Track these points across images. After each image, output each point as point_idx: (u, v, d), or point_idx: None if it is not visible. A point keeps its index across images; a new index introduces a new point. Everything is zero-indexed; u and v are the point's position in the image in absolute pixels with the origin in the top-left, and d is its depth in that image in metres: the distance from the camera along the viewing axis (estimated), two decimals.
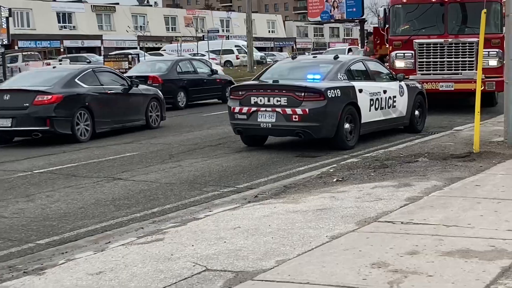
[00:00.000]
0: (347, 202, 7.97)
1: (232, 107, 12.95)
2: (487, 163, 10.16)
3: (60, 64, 50.85)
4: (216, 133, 15.47)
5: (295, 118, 12.30)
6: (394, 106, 14.25)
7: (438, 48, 18.40)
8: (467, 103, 20.21)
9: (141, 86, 17.67)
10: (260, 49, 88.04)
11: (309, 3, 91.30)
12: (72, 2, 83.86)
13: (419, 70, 18.59)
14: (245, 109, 12.72)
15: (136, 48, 73.22)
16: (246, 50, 60.72)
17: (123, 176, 10.68)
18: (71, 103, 15.00)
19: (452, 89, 18.28)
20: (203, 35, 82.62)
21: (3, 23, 47.99)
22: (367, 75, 13.92)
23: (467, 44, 18.34)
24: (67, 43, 78.21)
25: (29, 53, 53.17)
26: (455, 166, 9.99)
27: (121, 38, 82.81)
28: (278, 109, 12.41)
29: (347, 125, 12.86)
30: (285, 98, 12.40)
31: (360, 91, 13.13)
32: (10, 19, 71.58)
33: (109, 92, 16.17)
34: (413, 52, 18.54)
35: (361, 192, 8.53)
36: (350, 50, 47.56)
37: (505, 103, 12.06)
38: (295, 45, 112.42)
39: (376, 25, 21.13)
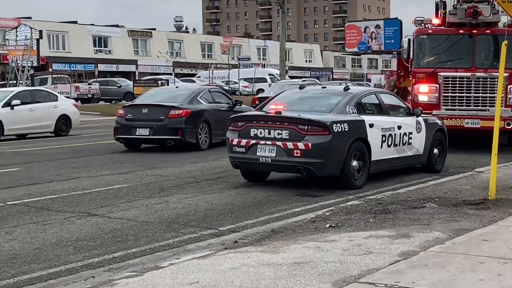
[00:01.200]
0: (332, 255, 6.94)
1: (230, 139, 12.02)
2: (502, 212, 9.05)
3: (89, 86, 50.64)
4: (219, 166, 14.53)
5: (297, 153, 11.32)
6: (409, 143, 13.19)
7: (465, 82, 17.30)
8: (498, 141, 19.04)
9: (243, 106, 20.36)
10: (296, 78, 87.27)
11: (346, 33, 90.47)
12: (108, 26, 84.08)
13: (444, 105, 17.50)
14: (243, 142, 11.78)
15: (171, 74, 73.02)
16: (279, 79, 60.00)
17: (99, 211, 9.78)
18: (196, 117, 18.03)
19: (478, 126, 17.13)
20: (239, 63, 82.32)
21: (33, 45, 47.91)
22: (380, 109, 12.89)
23: (496, 79, 17.19)
24: (102, 67, 78.27)
25: (58, 75, 53.04)
26: (465, 215, 8.90)
27: (156, 63, 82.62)
28: (279, 143, 11.45)
29: (354, 163, 11.83)
30: (287, 131, 11.43)
31: (371, 126, 12.11)
32: (45, 41, 72.32)
33: (221, 108, 19.09)
34: (437, 85, 17.46)
35: (351, 243, 7.50)
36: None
37: None
38: (332, 75, 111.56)
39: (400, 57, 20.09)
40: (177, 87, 22.68)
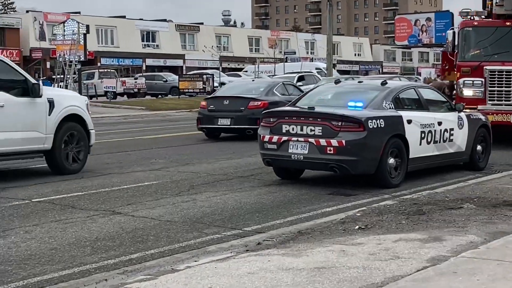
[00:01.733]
0: (356, 260, 6.57)
1: (262, 135, 11.70)
2: None
3: (135, 81, 50.80)
4: (254, 162, 14.20)
5: (330, 150, 10.94)
6: (451, 140, 12.68)
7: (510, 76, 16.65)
8: None
9: None
10: (345, 72, 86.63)
11: (396, 26, 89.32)
12: (156, 21, 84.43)
13: (490, 100, 16.90)
14: (275, 138, 11.44)
15: (217, 68, 73.01)
16: (326, 73, 59.43)
17: (124, 210, 9.55)
18: (271, 108, 17.30)
19: None
20: (285, 57, 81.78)
21: (81, 40, 48.21)
22: (419, 104, 12.40)
23: None
24: (150, 61, 78.65)
25: (105, 70, 53.35)
26: (504, 217, 8.43)
27: (204, 58, 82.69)
28: (312, 140, 11.07)
29: (391, 160, 11.39)
30: (320, 128, 11.06)
31: (409, 122, 11.65)
32: (94, 36, 72.97)
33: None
34: (483, 79, 16.86)
35: (379, 247, 7.11)
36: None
37: None
38: (382, 69, 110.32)
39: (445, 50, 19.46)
40: (253, 80, 25.18)
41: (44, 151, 12.69)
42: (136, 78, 51.50)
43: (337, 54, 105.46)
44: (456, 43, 17.39)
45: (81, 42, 47.96)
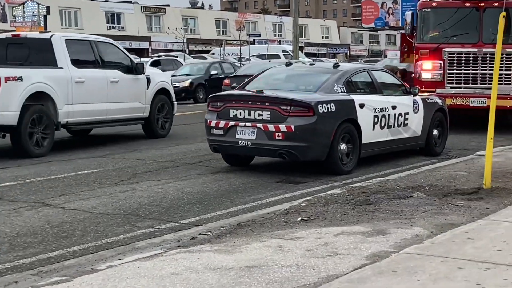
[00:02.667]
0: (291, 257, 6.05)
1: (208, 120, 11.13)
2: (496, 203, 8.11)
3: None
4: (205, 148, 13.53)
5: (279, 136, 10.41)
6: (406, 125, 12.21)
7: (471, 58, 16.25)
8: (506, 121, 18.00)
9: None
10: (312, 55, 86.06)
11: (363, 9, 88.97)
12: (121, 3, 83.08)
13: (448, 83, 16.48)
14: (222, 123, 10.89)
15: (183, 51, 72.03)
16: (292, 56, 58.87)
17: (55, 201, 8.94)
18: None
19: (485, 105, 16.07)
20: (249, 39, 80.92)
21: (41, 21, 47.12)
22: (372, 88, 11.91)
23: (504, 55, 16.12)
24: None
25: None
26: (455, 207, 7.97)
27: (170, 40, 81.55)
28: (259, 125, 10.54)
29: (343, 146, 10.90)
30: (268, 112, 10.52)
31: (361, 106, 11.15)
32: (57, 17, 71.55)
33: None
34: (442, 62, 16.42)
35: (318, 241, 6.61)
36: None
37: None
38: (349, 52, 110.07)
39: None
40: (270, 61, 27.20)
41: (143, 119, 15.62)
42: None
43: (304, 37, 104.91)
44: (414, 24, 16.91)
45: (41, 24, 46.89)
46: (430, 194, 8.74)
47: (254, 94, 10.85)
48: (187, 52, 79.56)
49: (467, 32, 16.29)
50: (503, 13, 8.97)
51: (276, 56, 67.85)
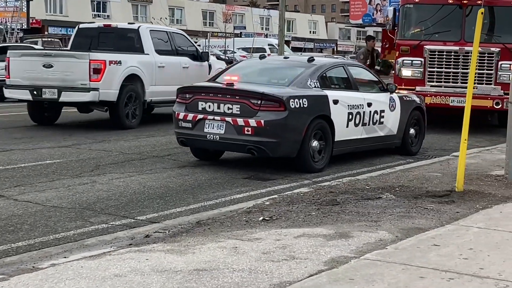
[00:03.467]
0: (245, 261, 5.71)
1: (176, 113, 10.75)
2: (467, 207, 7.80)
3: None
4: (175, 141, 13.22)
5: (248, 130, 10.05)
6: (381, 123, 11.88)
7: (452, 56, 15.94)
8: (486, 121, 17.77)
9: None
10: (299, 49, 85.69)
11: (351, 5, 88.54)
12: None
13: (429, 81, 16.16)
14: (190, 116, 10.51)
15: None
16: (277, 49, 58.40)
17: (9, 192, 8.54)
18: None
19: (464, 105, 15.74)
20: (240, 32, 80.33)
21: (23, 7, 46.59)
22: (348, 84, 11.56)
23: (486, 55, 15.85)
24: None
25: (49, 39, 51.56)
26: (424, 210, 7.64)
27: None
28: (229, 119, 10.17)
29: (315, 143, 10.55)
30: (238, 106, 10.15)
31: (335, 102, 10.80)
32: (41, 4, 70.74)
33: None
34: (422, 59, 16.10)
35: (277, 243, 6.26)
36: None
37: (508, 128, 9.63)
38: (336, 48, 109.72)
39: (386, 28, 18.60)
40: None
41: None
42: None
43: (292, 31, 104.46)
44: (396, 21, 16.58)
45: (23, 10, 46.35)
46: (400, 195, 8.42)
47: (224, 86, 10.48)
48: None
49: (449, 30, 15.97)
50: (482, 10, 8.63)
51: (262, 50, 67.38)
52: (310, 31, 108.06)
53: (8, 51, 16.07)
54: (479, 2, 15.97)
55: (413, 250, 6.02)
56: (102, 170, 10.16)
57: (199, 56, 17.82)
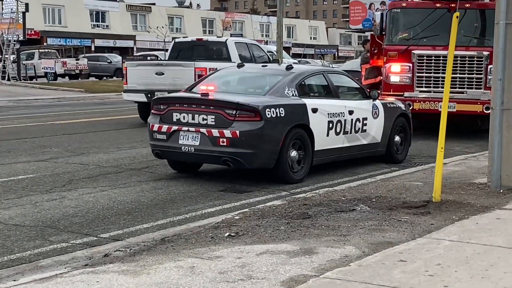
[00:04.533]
0: (199, 281, 5.44)
1: (151, 124, 10.50)
2: (443, 219, 7.51)
3: (77, 62, 49.13)
4: None
5: (223, 142, 9.79)
6: (364, 131, 11.61)
7: (441, 61, 15.66)
8: (477, 126, 17.46)
9: None
10: (299, 56, 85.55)
11: (351, 10, 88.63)
12: (106, 1, 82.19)
13: (418, 87, 15.90)
14: (165, 128, 10.26)
15: (166, 50, 71.25)
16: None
17: None
18: None
19: (454, 110, 15.50)
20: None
21: (19, 18, 46.33)
22: (328, 91, 11.30)
23: (475, 58, 15.58)
24: (99, 42, 76.55)
25: (46, 50, 51.45)
26: (397, 222, 7.36)
27: (155, 39, 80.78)
28: (203, 130, 9.92)
29: (293, 153, 10.29)
30: (213, 116, 9.90)
31: (314, 110, 10.54)
32: (40, 15, 70.74)
33: None
34: (411, 65, 15.83)
35: (237, 261, 5.99)
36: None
37: (490, 134, 9.36)
38: (338, 53, 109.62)
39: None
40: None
41: None
42: (78, 59, 49.68)
43: (292, 37, 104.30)
44: (384, 25, 16.32)
45: (19, 21, 46.12)
46: (375, 207, 8.14)
47: (198, 97, 10.23)
48: (169, 51, 78.90)
49: (438, 34, 15.69)
50: (457, 13, 8.37)
51: None
52: (311, 37, 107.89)
53: (126, 62, 20.02)
54: (467, 5, 15.75)
55: (377, 267, 5.74)
56: (74, 185, 9.91)
57: (270, 62, 20.48)
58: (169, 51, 20.97)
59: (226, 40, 20.37)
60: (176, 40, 21.43)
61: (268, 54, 22.46)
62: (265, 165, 10.12)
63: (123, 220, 8.05)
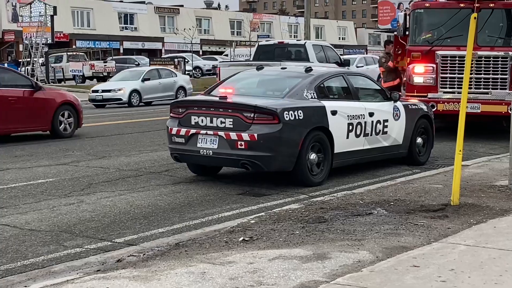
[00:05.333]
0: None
1: (169, 128, 10.51)
2: (460, 223, 7.41)
3: (105, 64, 49.46)
4: None
5: (241, 145, 9.76)
6: (385, 133, 11.51)
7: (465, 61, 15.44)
8: (502, 127, 17.21)
9: None
10: None
11: (379, 10, 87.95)
12: (134, 3, 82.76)
13: (442, 88, 15.73)
14: (183, 131, 10.26)
15: (196, 51, 71.59)
16: None
17: None
18: None
19: (479, 111, 15.34)
20: (258, 41, 79.89)
21: (48, 22, 46.79)
22: (347, 93, 11.22)
23: (500, 59, 15.39)
24: (127, 44, 77.07)
25: (74, 53, 51.89)
26: (414, 226, 7.28)
27: (184, 41, 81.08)
28: (221, 133, 9.90)
29: (312, 156, 10.23)
30: (231, 119, 9.87)
31: (334, 113, 10.47)
32: (69, 18, 71.36)
33: None
34: (434, 65, 15.68)
35: (249, 267, 5.96)
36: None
37: (511, 136, 9.21)
38: (366, 53, 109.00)
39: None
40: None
41: None
42: (105, 62, 50.03)
43: (320, 38, 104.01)
44: (407, 26, 16.19)
45: (48, 24, 46.58)
46: (393, 210, 8.05)
47: (216, 100, 10.22)
48: (201, 53, 79.05)
49: (461, 34, 15.45)
50: (474, 15, 8.26)
51: None
52: (339, 37, 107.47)
53: (219, 63, 23.03)
54: (491, 5, 15.57)
55: (389, 272, 5.68)
56: (93, 189, 9.95)
57: (341, 63, 23.35)
58: (253, 53, 23.64)
59: (305, 43, 23.51)
60: (260, 43, 24.78)
61: (339, 55, 25.07)
62: (284, 168, 10.07)
63: (139, 224, 8.05)
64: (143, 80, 30.74)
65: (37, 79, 43.83)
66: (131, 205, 8.96)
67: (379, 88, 12.11)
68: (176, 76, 33.37)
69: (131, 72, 33.67)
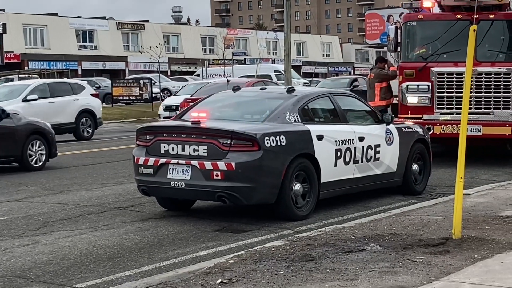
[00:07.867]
0: None
1: (136, 157, 10.47)
2: (463, 258, 7.44)
3: None
4: None
5: (217, 175, 9.75)
6: (377, 159, 11.55)
7: (464, 79, 15.61)
8: (506, 151, 17.38)
9: None
10: (311, 75, 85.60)
11: (367, 23, 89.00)
12: (94, 19, 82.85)
13: (438, 108, 15.86)
14: (151, 161, 10.23)
15: (163, 71, 71.52)
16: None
17: None
18: None
19: (480, 134, 15.46)
20: (245, 58, 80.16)
21: None
22: (335, 116, 11.28)
23: (502, 75, 15.55)
24: (86, 65, 77.03)
25: (26, 75, 51.65)
26: (411, 263, 7.29)
27: (150, 60, 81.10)
28: (195, 162, 9.88)
29: (297, 186, 10.23)
30: (205, 147, 9.87)
31: (320, 138, 10.50)
32: (20, 36, 71.23)
33: None
34: (430, 84, 15.81)
35: None
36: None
37: None
38: (354, 71, 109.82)
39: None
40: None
41: None
42: None
43: (302, 55, 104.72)
44: (399, 40, 16.33)
45: None
46: (388, 246, 8.06)
47: (188, 125, 10.21)
48: (169, 73, 79.11)
49: (459, 49, 15.58)
50: (474, 27, 8.35)
51: (268, 77, 67.30)
52: (323, 54, 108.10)
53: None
54: (491, 16, 15.77)
55: None
56: (50, 228, 9.87)
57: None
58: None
59: None
60: None
61: None
62: (265, 200, 10.06)
63: (103, 267, 7.99)
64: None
65: None
66: (94, 246, 8.90)
67: (370, 109, 12.18)
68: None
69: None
